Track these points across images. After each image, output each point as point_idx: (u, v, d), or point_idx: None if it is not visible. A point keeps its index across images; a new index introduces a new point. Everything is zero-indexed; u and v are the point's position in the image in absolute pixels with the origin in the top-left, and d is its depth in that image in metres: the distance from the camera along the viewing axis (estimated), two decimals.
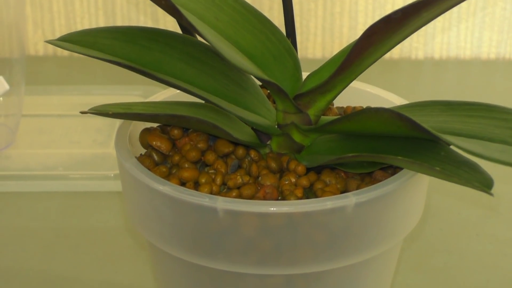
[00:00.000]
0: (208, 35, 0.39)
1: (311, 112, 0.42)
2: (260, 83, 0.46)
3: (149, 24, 0.83)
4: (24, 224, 0.58)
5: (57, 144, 0.67)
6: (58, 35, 0.84)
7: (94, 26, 0.83)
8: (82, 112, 0.42)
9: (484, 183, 0.37)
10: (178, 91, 0.47)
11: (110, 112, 0.41)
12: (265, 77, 0.41)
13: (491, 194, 0.36)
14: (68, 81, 0.79)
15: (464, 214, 0.59)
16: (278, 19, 0.82)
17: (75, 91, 0.75)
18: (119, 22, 0.83)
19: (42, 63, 0.83)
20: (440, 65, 0.83)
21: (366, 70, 0.41)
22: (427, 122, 0.41)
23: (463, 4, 0.81)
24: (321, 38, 0.83)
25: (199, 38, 0.44)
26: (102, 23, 0.83)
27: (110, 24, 0.83)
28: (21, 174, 0.62)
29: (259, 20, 0.44)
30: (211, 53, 0.44)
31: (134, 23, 0.83)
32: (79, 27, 0.83)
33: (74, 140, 0.67)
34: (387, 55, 0.83)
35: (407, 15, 0.38)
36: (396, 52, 0.84)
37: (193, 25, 0.38)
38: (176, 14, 0.38)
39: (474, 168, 0.38)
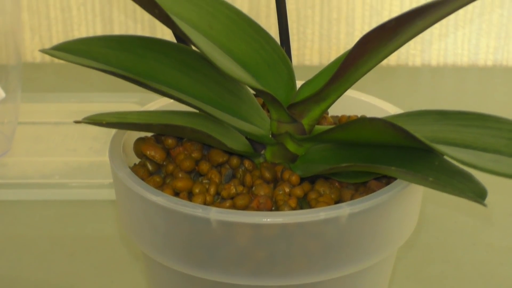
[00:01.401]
0: (201, 44, 0.39)
1: (305, 121, 0.42)
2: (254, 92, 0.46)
3: (146, 31, 0.83)
4: (20, 233, 0.58)
5: (53, 152, 0.67)
6: (55, 42, 0.84)
7: (91, 33, 0.83)
8: (76, 122, 0.42)
9: (478, 194, 0.37)
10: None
11: (104, 122, 0.41)
12: (259, 87, 0.41)
13: (484, 205, 0.36)
14: (65, 88, 0.79)
15: (460, 223, 0.58)
16: (275, 27, 0.82)
17: (72, 98, 0.75)
18: (116, 29, 0.83)
19: (39, 70, 0.83)
20: (437, 72, 0.83)
21: (363, 77, 0.41)
22: (421, 131, 0.41)
23: (459, 11, 0.81)
24: (318, 45, 0.83)
25: (194, 47, 0.44)
26: (99, 30, 0.83)
27: (107, 31, 0.83)
28: (17, 182, 0.62)
29: (253, 29, 0.44)
30: (206, 62, 0.44)
31: (131, 30, 0.83)
32: (76, 34, 0.83)
33: (71, 148, 0.67)
34: (384, 62, 0.83)
35: (401, 24, 0.38)
36: (393, 59, 0.83)
37: (186, 34, 0.38)
38: (170, 23, 0.38)
39: (467, 178, 0.37)
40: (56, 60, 0.84)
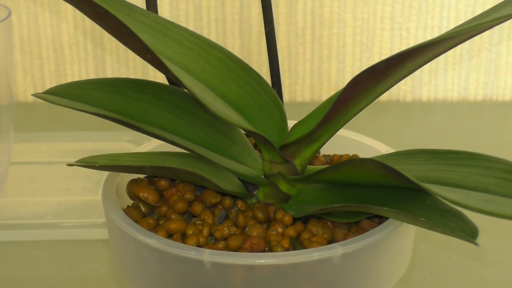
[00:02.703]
0: (193, 87, 0.40)
1: (298, 162, 0.43)
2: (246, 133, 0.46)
3: (139, 70, 0.83)
4: (12, 274, 0.58)
5: (46, 192, 0.67)
6: (47, 81, 0.84)
7: (83, 72, 0.84)
8: (69, 165, 0.42)
9: (469, 233, 0.37)
10: None
11: (97, 165, 0.41)
12: (251, 128, 0.42)
13: (476, 244, 0.36)
14: (57, 127, 0.80)
15: (453, 259, 0.59)
16: (267, 64, 0.82)
17: (65, 137, 0.76)
18: (109, 69, 0.83)
19: (32, 110, 0.83)
20: (428, 107, 0.84)
21: (356, 115, 0.42)
22: (412, 171, 0.41)
23: None
24: (309, 81, 0.84)
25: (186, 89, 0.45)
26: (91, 70, 0.83)
27: (100, 70, 0.83)
28: (10, 223, 0.62)
29: (245, 71, 0.44)
30: (198, 104, 0.44)
31: (123, 70, 0.83)
32: (69, 73, 0.84)
33: (63, 188, 0.67)
34: None
35: (391, 66, 0.38)
36: (384, 95, 0.84)
37: (178, 78, 0.38)
38: (162, 68, 0.39)
39: (459, 217, 0.38)
40: None
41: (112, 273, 0.57)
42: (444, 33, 0.37)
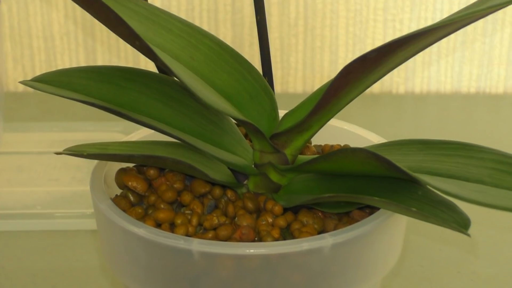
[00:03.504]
0: (183, 75, 0.39)
1: (288, 151, 0.42)
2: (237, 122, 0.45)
3: (131, 60, 0.83)
4: (1, 264, 0.57)
5: (35, 182, 0.66)
6: (38, 71, 0.84)
7: (74, 62, 0.83)
8: (57, 153, 0.41)
9: (461, 224, 0.36)
10: None
11: (85, 153, 0.41)
12: (241, 117, 0.41)
13: (467, 235, 0.36)
14: (47, 117, 0.79)
15: (445, 251, 0.58)
16: (259, 55, 0.82)
17: (55, 127, 0.75)
18: (100, 59, 0.83)
19: (22, 100, 0.83)
20: (421, 100, 0.84)
21: (347, 105, 0.41)
22: (404, 161, 0.41)
23: (443, 39, 0.82)
24: (302, 73, 0.83)
25: (176, 78, 0.44)
26: (82, 60, 0.83)
27: (90, 60, 0.83)
28: None
29: (235, 60, 0.44)
30: (188, 93, 0.43)
31: (114, 59, 0.83)
32: (59, 63, 0.83)
33: (53, 178, 0.67)
34: (368, 90, 0.83)
35: (383, 55, 0.38)
36: (377, 87, 0.84)
37: (167, 66, 0.38)
38: (151, 55, 0.38)
39: (451, 208, 0.37)
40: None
41: (100, 263, 0.57)
42: (436, 22, 0.37)
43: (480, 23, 0.81)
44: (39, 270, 0.57)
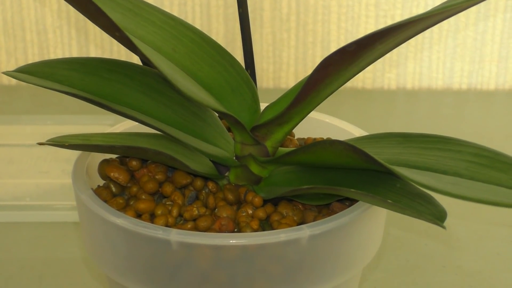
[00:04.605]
0: (162, 66, 0.40)
1: (269, 143, 0.42)
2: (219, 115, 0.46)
3: (123, 55, 0.83)
4: None
5: (25, 174, 0.66)
6: None
7: (67, 55, 0.83)
8: (40, 144, 0.42)
9: (437, 216, 0.37)
10: None
11: (67, 144, 0.41)
12: (222, 109, 0.41)
13: (443, 227, 0.36)
14: (40, 110, 0.79)
15: (431, 246, 0.59)
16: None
17: (47, 120, 0.75)
18: (92, 53, 0.83)
19: (15, 92, 0.83)
20: (412, 95, 0.84)
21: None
22: (383, 154, 0.41)
23: (435, 35, 0.82)
24: (294, 68, 0.84)
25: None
26: (75, 53, 0.83)
27: (83, 54, 0.83)
28: None
29: (217, 52, 0.44)
30: (170, 85, 0.44)
31: (107, 52, 0.83)
32: (52, 57, 0.83)
33: (43, 170, 0.67)
34: (360, 85, 0.84)
35: (362, 47, 0.38)
36: (369, 82, 0.84)
37: (147, 57, 0.38)
38: (131, 46, 0.38)
39: (428, 201, 0.38)
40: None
41: (86, 255, 0.57)
42: (415, 15, 0.37)
43: (472, 19, 0.81)
44: (26, 261, 0.57)
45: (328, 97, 0.42)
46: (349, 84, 0.82)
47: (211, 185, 0.43)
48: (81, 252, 0.58)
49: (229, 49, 0.47)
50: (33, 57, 0.84)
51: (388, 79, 0.84)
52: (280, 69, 0.84)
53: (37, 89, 0.84)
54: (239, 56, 0.45)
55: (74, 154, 0.68)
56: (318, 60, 0.83)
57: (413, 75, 0.84)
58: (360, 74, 0.83)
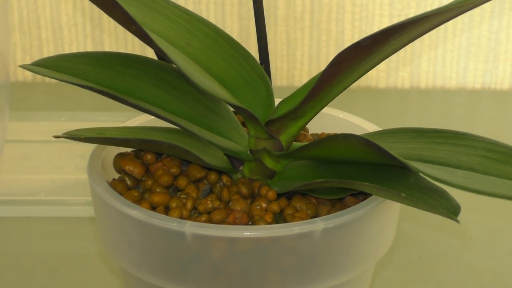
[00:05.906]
0: (178, 60, 0.40)
1: (283, 138, 0.43)
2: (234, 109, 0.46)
3: (138, 52, 0.83)
4: (4, 249, 0.58)
5: (40, 170, 0.67)
6: None
7: None
8: (56, 137, 0.42)
9: (451, 210, 0.37)
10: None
11: (82, 137, 0.41)
12: (236, 103, 0.42)
13: (457, 221, 0.36)
14: (54, 107, 0.80)
15: (443, 243, 0.59)
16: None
17: (62, 117, 0.76)
18: (107, 50, 0.84)
19: (30, 89, 0.84)
20: (426, 95, 0.84)
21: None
22: (396, 148, 0.41)
23: (449, 34, 0.82)
24: (307, 66, 0.84)
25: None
26: (90, 50, 0.83)
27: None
28: (3, 199, 0.62)
29: (231, 46, 0.44)
30: (185, 79, 0.44)
31: (122, 50, 0.83)
32: None
33: (58, 166, 0.67)
34: (373, 84, 0.84)
35: (376, 42, 0.38)
36: (382, 81, 0.84)
37: (163, 51, 0.38)
38: (147, 40, 0.39)
39: (441, 195, 0.38)
40: (47, 80, 0.85)
41: (100, 249, 0.58)
42: (428, 11, 0.37)
43: (486, 18, 0.81)
44: (40, 255, 0.57)
45: (342, 96, 0.42)
46: (362, 82, 0.82)
47: (225, 178, 0.43)
48: (95, 246, 0.58)
49: None
50: (49, 55, 0.84)
51: (401, 78, 0.84)
52: (294, 68, 0.84)
53: (52, 86, 0.85)
54: (253, 53, 0.45)
55: (88, 150, 0.68)
56: (331, 59, 0.83)
57: (427, 74, 0.84)
58: (374, 72, 0.83)
